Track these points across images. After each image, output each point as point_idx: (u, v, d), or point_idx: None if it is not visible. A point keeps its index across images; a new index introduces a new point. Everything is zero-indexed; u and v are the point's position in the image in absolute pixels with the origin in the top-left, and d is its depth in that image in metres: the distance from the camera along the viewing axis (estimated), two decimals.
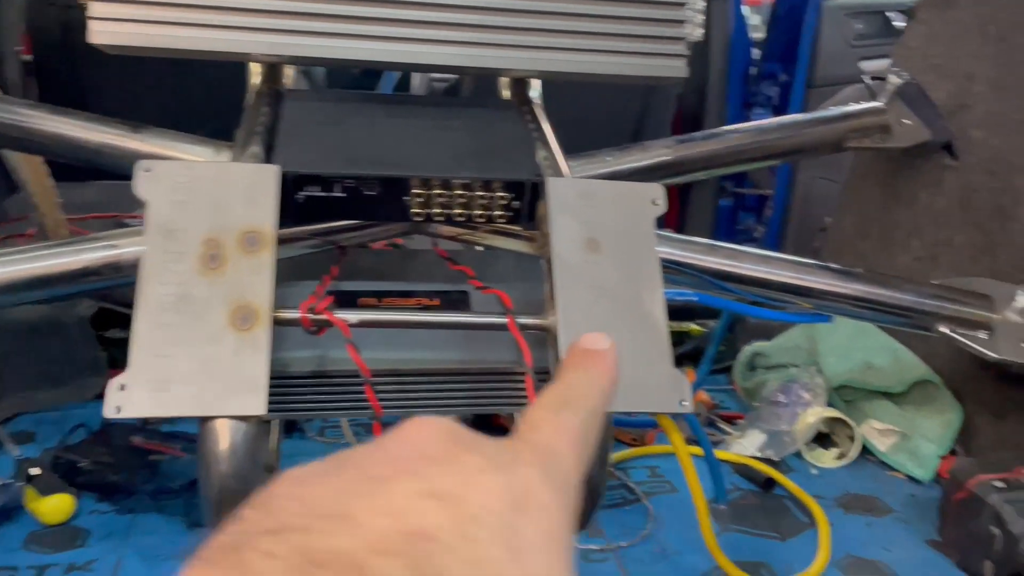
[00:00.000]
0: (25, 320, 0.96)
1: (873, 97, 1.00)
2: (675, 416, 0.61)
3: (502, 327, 0.54)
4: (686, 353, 1.14)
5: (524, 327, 0.54)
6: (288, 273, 0.54)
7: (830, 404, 1.02)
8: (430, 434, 0.25)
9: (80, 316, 0.98)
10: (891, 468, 0.97)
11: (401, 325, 0.55)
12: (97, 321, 0.99)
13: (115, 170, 0.72)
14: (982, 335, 0.79)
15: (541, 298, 0.57)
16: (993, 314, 0.80)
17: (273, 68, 0.69)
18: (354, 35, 0.63)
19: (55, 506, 0.78)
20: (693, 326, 1.21)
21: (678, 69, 0.70)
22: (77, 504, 0.80)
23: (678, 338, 1.14)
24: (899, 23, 1.77)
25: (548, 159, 0.63)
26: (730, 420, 1.07)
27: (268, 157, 0.59)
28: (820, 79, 1.85)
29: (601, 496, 0.56)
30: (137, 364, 0.48)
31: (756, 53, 2.00)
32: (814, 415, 0.99)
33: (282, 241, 0.53)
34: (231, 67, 0.66)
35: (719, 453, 0.91)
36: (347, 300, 0.57)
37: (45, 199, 0.98)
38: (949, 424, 0.98)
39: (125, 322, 0.49)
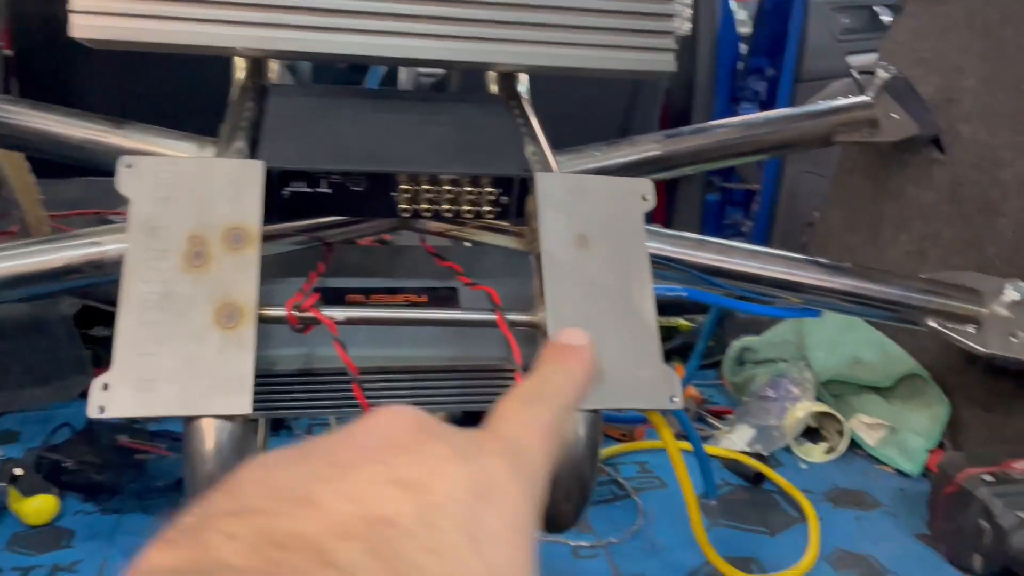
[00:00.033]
0: (7, 318, 0.95)
1: (861, 91, 1.00)
2: (665, 412, 0.60)
3: (491, 324, 0.54)
4: (675, 348, 1.14)
5: (513, 324, 0.54)
6: (274, 270, 0.54)
7: (818, 399, 1.02)
8: (398, 423, 0.25)
9: (63, 314, 0.97)
10: (879, 462, 0.98)
11: (389, 322, 0.55)
12: (81, 319, 0.98)
13: (98, 166, 0.71)
14: (970, 329, 0.79)
15: (530, 294, 0.56)
16: (981, 308, 0.80)
17: (258, 63, 0.69)
18: (339, 29, 0.62)
19: (39, 507, 0.78)
20: (682, 321, 1.21)
21: (666, 63, 0.70)
22: (61, 505, 0.79)
23: (666, 333, 1.14)
24: (886, 17, 1.78)
25: (536, 154, 0.63)
26: (719, 415, 1.07)
27: (253, 153, 0.58)
28: (807, 74, 1.86)
29: (591, 493, 0.56)
30: (121, 363, 0.47)
31: (743, 48, 2.00)
32: (803, 410, 0.99)
33: (267, 238, 0.52)
34: (215, 62, 0.65)
35: (708, 448, 0.91)
36: (334, 297, 0.56)
37: (27, 196, 0.97)
38: (937, 418, 0.98)
39: (109, 320, 0.49)
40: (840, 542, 0.81)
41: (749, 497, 0.89)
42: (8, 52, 1.49)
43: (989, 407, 0.94)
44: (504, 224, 0.64)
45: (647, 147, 0.87)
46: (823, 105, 1.00)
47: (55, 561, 0.73)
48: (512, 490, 0.24)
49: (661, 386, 0.54)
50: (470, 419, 0.95)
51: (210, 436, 0.47)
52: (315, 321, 0.51)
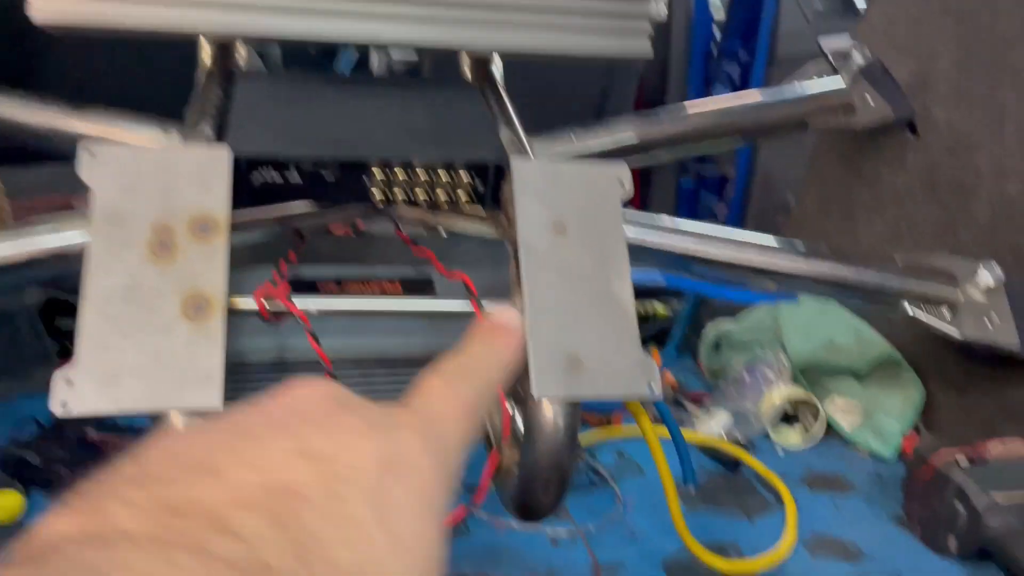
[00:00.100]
0: None
1: (835, 72, 1.00)
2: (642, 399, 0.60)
3: (467, 312, 0.53)
4: (651, 334, 1.14)
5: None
6: (243, 259, 0.52)
7: (795, 383, 1.02)
8: (310, 395, 0.25)
9: (27, 306, 0.94)
10: (855, 446, 0.98)
11: (363, 313, 0.53)
12: (46, 310, 0.96)
13: (60, 153, 0.69)
14: (946, 313, 0.79)
15: (507, 282, 0.56)
16: (957, 292, 0.80)
17: (224, 47, 0.67)
18: (308, 11, 0.61)
19: (3, 505, 0.76)
20: (658, 307, 1.21)
21: (642, 48, 0.69)
22: (27, 502, 0.77)
23: (643, 319, 1.13)
24: (859, 2, 1.78)
25: (512, 140, 0.62)
26: (696, 401, 1.06)
27: (219, 139, 0.56)
28: (781, 57, 1.86)
29: (569, 481, 0.55)
30: (84, 357, 0.46)
31: (716, 32, 1.99)
32: (779, 395, 0.99)
33: (236, 226, 0.51)
34: (181, 46, 0.64)
35: (685, 434, 0.91)
36: (306, 286, 0.55)
37: None
38: (911, 401, 0.99)
39: (75, 311, 0.47)
40: (817, 526, 0.81)
41: (726, 483, 0.89)
42: None
43: (963, 390, 0.95)
44: (479, 211, 0.63)
45: (624, 131, 0.86)
46: (799, 90, 1.00)
47: None
48: (423, 464, 0.24)
49: (640, 374, 0.53)
50: None
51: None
52: (286, 312, 0.50)
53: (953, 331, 0.79)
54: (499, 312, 0.36)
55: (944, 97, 1.00)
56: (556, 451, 0.52)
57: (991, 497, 0.73)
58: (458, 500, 0.81)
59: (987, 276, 0.80)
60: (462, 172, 0.57)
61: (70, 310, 0.97)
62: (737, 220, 1.94)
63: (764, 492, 0.87)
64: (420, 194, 0.57)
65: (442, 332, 0.56)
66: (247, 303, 0.49)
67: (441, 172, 0.57)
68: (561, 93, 1.57)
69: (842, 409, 1.00)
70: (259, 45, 1.03)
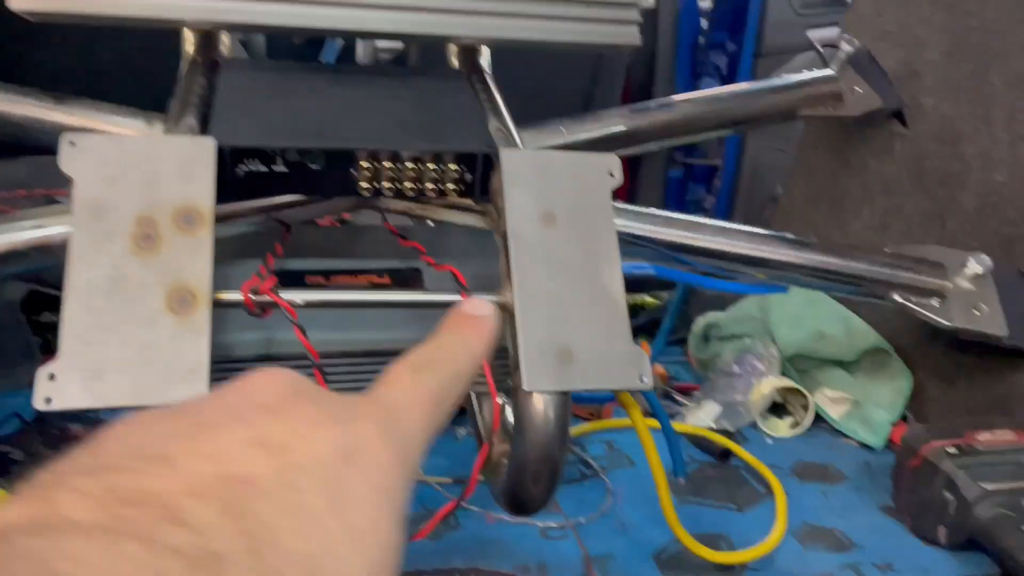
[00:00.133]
0: None
1: (824, 64, 1.00)
2: (634, 391, 0.60)
3: (458, 304, 0.52)
4: (641, 326, 1.14)
5: None
6: (228, 252, 0.51)
7: (784, 374, 1.03)
8: (270, 385, 0.25)
9: (9, 300, 0.93)
10: (844, 436, 0.98)
11: (351, 305, 0.53)
12: (28, 304, 0.95)
13: (41, 145, 0.67)
14: (934, 303, 0.79)
15: (496, 274, 0.55)
16: (945, 282, 0.80)
17: (208, 36, 0.66)
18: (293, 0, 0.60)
19: None
20: (647, 298, 1.21)
21: (631, 36, 0.68)
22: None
23: (632, 310, 1.13)
24: None
25: (501, 130, 0.61)
26: (685, 392, 1.06)
27: (204, 129, 0.55)
28: (768, 48, 1.86)
29: (560, 475, 0.55)
30: (68, 352, 0.45)
31: (704, 23, 1.99)
32: (768, 385, 0.99)
33: (221, 218, 0.50)
34: (164, 35, 0.63)
35: (675, 425, 0.91)
36: (293, 279, 0.54)
37: None
38: (900, 391, 0.99)
39: (58, 305, 0.46)
40: (807, 516, 0.81)
41: (716, 473, 0.89)
42: None
43: (951, 380, 0.95)
44: (468, 202, 0.62)
45: (613, 122, 0.85)
46: (788, 79, 1.00)
47: None
48: (382, 455, 0.24)
49: (631, 365, 0.53)
50: None
51: None
52: (273, 305, 0.49)
53: (942, 320, 0.79)
54: (471, 303, 0.35)
55: (932, 86, 1.00)
56: (547, 444, 0.51)
57: (981, 487, 0.73)
58: (449, 494, 0.81)
59: (975, 265, 0.80)
60: (450, 163, 0.57)
61: (53, 304, 0.96)
62: (725, 211, 1.94)
63: (754, 483, 0.87)
64: (408, 185, 0.57)
65: (431, 324, 0.55)
66: (233, 296, 0.48)
67: (429, 162, 0.56)
68: (548, 86, 1.56)
69: (831, 399, 1.01)
70: (243, 35, 1.02)
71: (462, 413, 0.94)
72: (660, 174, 2.07)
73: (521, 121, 0.64)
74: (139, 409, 0.44)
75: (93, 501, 0.19)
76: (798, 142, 1.23)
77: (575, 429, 0.94)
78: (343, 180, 0.56)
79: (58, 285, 0.46)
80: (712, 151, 2.06)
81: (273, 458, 0.22)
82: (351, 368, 0.54)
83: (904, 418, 0.98)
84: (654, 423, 0.77)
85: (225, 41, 0.68)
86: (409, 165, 0.56)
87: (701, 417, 0.98)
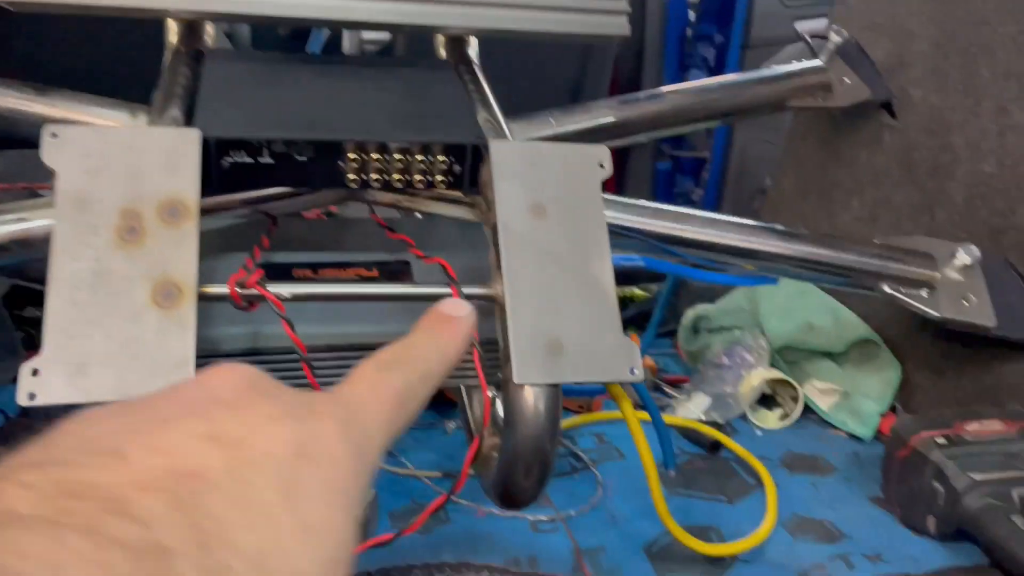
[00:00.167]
0: None
1: (813, 55, 1.00)
2: (624, 383, 0.59)
3: (446, 297, 0.52)
4: (630, 318, 1.13)
5: (469, 297, 0.52)
6: (214, 245, 0.51)
7: (773, 365, 1.03)
8: (228, 380, 0.25)
9: None
10: (833, 427, 0.98)
11: (339, 298, 0.52)
12: (11, 299, 0.93)
13: (22, 137, 0.66)
14: (924, 294, 0.80)
15: (485, 266, 0.55)
16: (935, 272, 0.80)
17: (192, 26, 0.65)
18: None
19: None
20: (637, 290, 1.20)
21: (620, 27, 0.68)
22: None
23: (622, 303, 1.13)
24: None
25: (489, 121, 0.61)
26: (675, 384, 1.06)
27: (189, 121, 0.55)
28: (755, 40, 1.86)
29: (552, 468, 0.54)
30: (51, 346, 0.44)
31: (691, 14, 1.99)
32: (758, 377, 0.99)
33: (206, 211, 0.49)
34: (147, 25, 0.62)
35: (665, 417, 0.91)
36: (280, 272, 0.54)
37: None
38: (889, 382, 0.99)
39: (42, 300, 0.45)
40: (797, 508, 0.81)
41: (707, 465, 0.89)
42: None
43: (940, 370, 0.95)
44: (457, 194, 0.61)
45: (602, 113, 0.85)
46: (778, 70, 0.99)
47: None
48: (337, 452, 0.24)
49: (621, 358, 0.52)
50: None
51: None
52: (260, 298, 0.48)
53: (931, 311, 0.79)
54: (449, 303, 0.35)
55: (920, 77, 1.00)
56: (538, 437, 0.51)
57: (970, 477, 0.73)
58: (439, 488, 0.80)
59: (964, 256, 0.80)
60: (439, 154, 0.56)
61: (36, 299, 0.95)
62: (713, 203, 1.94)
63: (744, 474, 0.87)
64: (396, 177, 0.56)
65: (420, 317, 0.55)
66: (219, 289, 0.48)
67: (418, 154, 0.56)
68: (536, 78, 1.56)
69: (820, 391, 1.01)
70: (228, 26, 1.01)
71: (452, 407, 0.94)
72: (648, 166, 2.07)
73: (509, 113, 0.64)
74: None
75: (38, 494, 0.19)
76: (787, 133, 1.23)
77: (565, 422, 0.94)
78: (330, 172, 0.55)
79: (41, 279, 0.46)
80: (700, 143, 2.06)
81: (225, 452, 0.22)
82: (339, 362, 0.53)
83: (893, 409, 0.98)
84: (644, 416, 0.77)
85: (209, 31, 0.67)
86: (397, 157, 0.56)
87: (691, 409, 0.98)
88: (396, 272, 0.57)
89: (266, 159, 0.54)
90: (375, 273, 0.57)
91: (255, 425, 0.23)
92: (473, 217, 0.61)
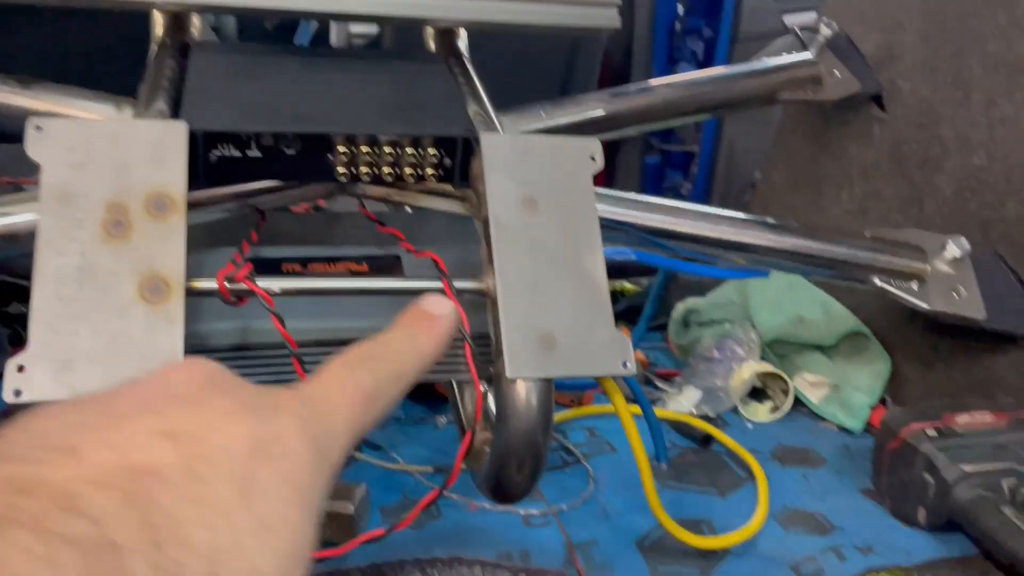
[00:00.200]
0: None
1: (804, 48, 1.00)
2: (616, 377, 0.59)
3: (437, 292, 0.51)
4: (620, 312, 1.13)
5: (460, 291, 0.51)
6: (201, 240, 0.50)
7: (763, 358, 1.03)
8: (186, 375, 0.25)
9: None
10: (823, 419, 0.99)
11: (329, 293, 0.52)
12: None
13: (6, 131, 0.66)
14: (914, 286, 0.80)
15: (476, 260, 0.54)
16: (925, 265, 0.80)
17: (178, 18, 0.64)
18: None
19: None
20: (627, 284, 1.20)
21: (610, 19, 0.68)
22: None
23: (612, 297, 1.13)
24: None
25: (480, 114, 0.60)
26: (665, 378, 1.06)
27: (175, 114, 0.54)
28: (744, 34, 1.86)
29: (544, 463, 0.54)
30: (37, 342, 0.43)
31: (680, 8, 1.99)
32: (748, 370, 0.99)
33: (193, 205, 0.49)
34: (133, 19, 0.61)
35: (656, 411, 0.91)
36: (269, 267, 0.53)
37: None
38: (879, 374, 0.99)
39: (27, 295, 0.45)
40: (788, 500, 0.81)
41: (698, 459, 0.89)
42: None
43: (930, 363, 0.95)
44: (447, 188, 0.61)
45: (593, 106, 0.85)
46: (767, 63, 0.99)
47: None
48: (297, 449, 0.24)
49: (614, 352, 0.52)
50: (421, 390, 0.93)
51: None
52: (249, 293, 0.48)
53: (922, 304, 0.79)
54: (431, 300, 0.35)
55: (910, 69, 1.00)
56: (530, 431, 0.51)
57: (960, 469, 0.73)
58: (430, 483, 0.80)
59: (954, 249, 0.80)
60: (429, 147, 0.56)
61: (22, 294, 0.94)
62: (702, 197, 1.95)
63: (735, 468, 0.87)
64: (386, 170, 0.56)
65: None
66: (208, 284, 0.47)
67: (408, 147, 0.55)
68: (524, 72, 1.55)
69: (810, 383, 1.01)
70: (214, 19, 1.00)
71: (443, 402, 0.93)
72: (637, 161, 2.07)
73: (498, 107, 0.63)
74: None
75: None
76: (777, 126, 1.23)
77: (556, 416, 0.93)
78: (320, 165, 0.55)
79: (27, 275, 0.45)
80: (689, 137, 2.06)
81: (181, 449, 0.22)
82: (329, 357, 0.53)
83: (883, 401, 0.99)
84: (636, 409, 0.77)
85: (196, 23, 0.66)
86: (387, 150, 0.55)
87: (682, 403, 0.98)
88: (386, 266, 0.57)
89: (254, 152, 0.53)
90: (365, 268, 0.57)
91: (212, 421, 0.23)
92: (463, 211, 0.61)
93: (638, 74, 1.92)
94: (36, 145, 0.47)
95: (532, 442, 0.52)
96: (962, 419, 0.78)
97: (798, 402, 1.00)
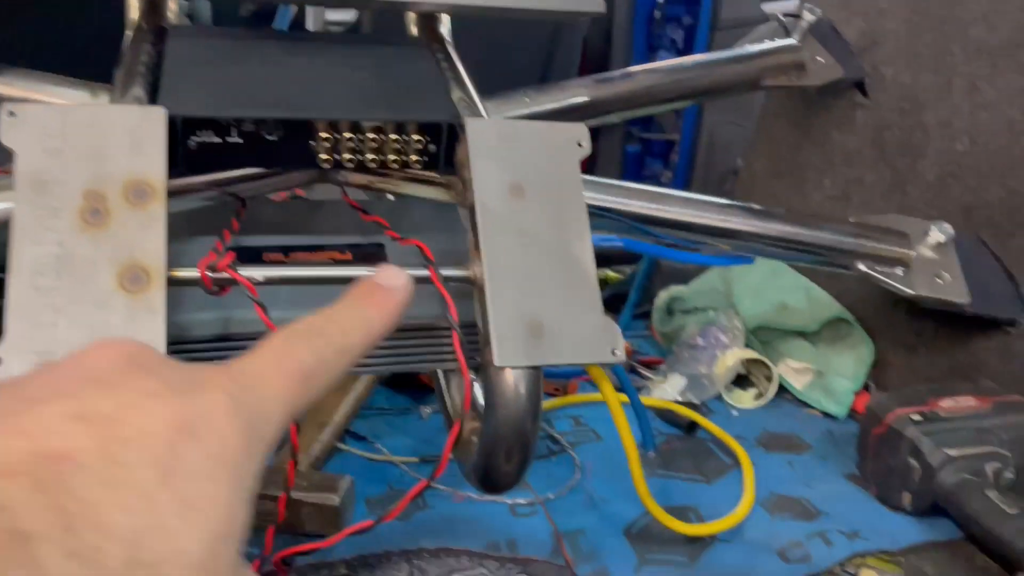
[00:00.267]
0: None
1: (787, 34, 0.99)
2: (604, 365, 0.59)
3: (423, 280, 0.51)
4: (605, 300, 1.13)
5: (447, 279, 0.51)
6: (181, 229, 0.49)
7: (747, 345, 1.03)
8: (106, 356, 0.24)
9: None
10: (807, 406, 0.99)
11: (313, 281, 0.51)
12: None
13: None
14: (899, 272, 0.80)
15: (462, 248, 0.53)
16: (909, 250, 0.80)
17: (154, 1, 0.63)
18: None
19: None
20: (610, 272, 1.20)
21: (595, 3, 0.67)
22: None
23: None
24: None
25: (464, 100, 0.59)
26: (650, 365, 1.06)
27: (152, 100, 0.53)
28: (724, 21, 1.86)
29: (533, 452, 0.54)
30: (14, 335, 0.42)
31: None
32: (733, 357, 0.99)
33: (173, 193, 0.48)
34: (107, 2, 0.59)
35: (641, 399, 0.91)
36: (250, 256, 0.52)
37: None
38: (862, 360, 1.00)
39: (3, 286, 0.44)
40: (774, 486, 0.81)
41: (684, 446, 0.89)
42: None
43: (913, 348, 0.96)
44: (431, 175, 0.60)
45: (577, 92, 0.84)
46: (751, 49, 0.99)
47: None
48: (225, 427, 0.23)
49: (603, 339, 0.52)
50: (401, 378, 0.92)
51: None
52: (231, 282, 0.47)
53: (906, 289, 0.79)
54: (385, 272, 0.33)
55: (893, 55, 1.00)
56: (519, 420, 0.50)
57: (945, 453, 0.73)
58: (416, 474, 0.79)
59: (938, 234, 0.80)
60: (414, 133, 0.55)
61: None
62: (682, 185, 1.95)
63: (721, 454, 0.87)
64: (370, 156, 0.55)
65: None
66: (189, 273, 0.46)
67: (392, 133, 0.54)
68: (504, 59, 1.54)
69: (794, 370, 1.01)
70: (188, 5, 0.98)
71: (427, 392, 0.93)
72: (618, 149, 2.07)
73: (479, 93, 0.62)
74: None
75: None
76: (760, 111, 1.23)
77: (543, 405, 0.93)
78: (301, 152, 0.54)
79: (2, 266, 0.44)
80: (669, 126, 2.06)
81: (96, 432, 0.21)
82: None
83: (866, 387, 0.99)
84: (622, 397, 0.77)
85: (172, 6, 0.65)
86: (371, 136, 0.54)
87: (667, 390, 0.98)
88: (370, 255, 0.56)
89: (235, 139, 0.52)
90: (349, 256, 0.56)
91: (131, 402, 0.22)
92: (447, 198, 0.60)
93: (617, 62, 1.91)
94: (10, 131, 0.45)
95: (521, 431, 0.51)
96: (946, 404, 0.79)
97: (782, 388, 1.00)
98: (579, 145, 0.56)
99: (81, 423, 0.21)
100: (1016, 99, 0.87)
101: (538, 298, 0.50)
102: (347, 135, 0.54)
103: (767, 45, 0.99)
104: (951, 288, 0.80)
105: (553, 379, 0.96)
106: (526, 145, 0.54)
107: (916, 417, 0.77)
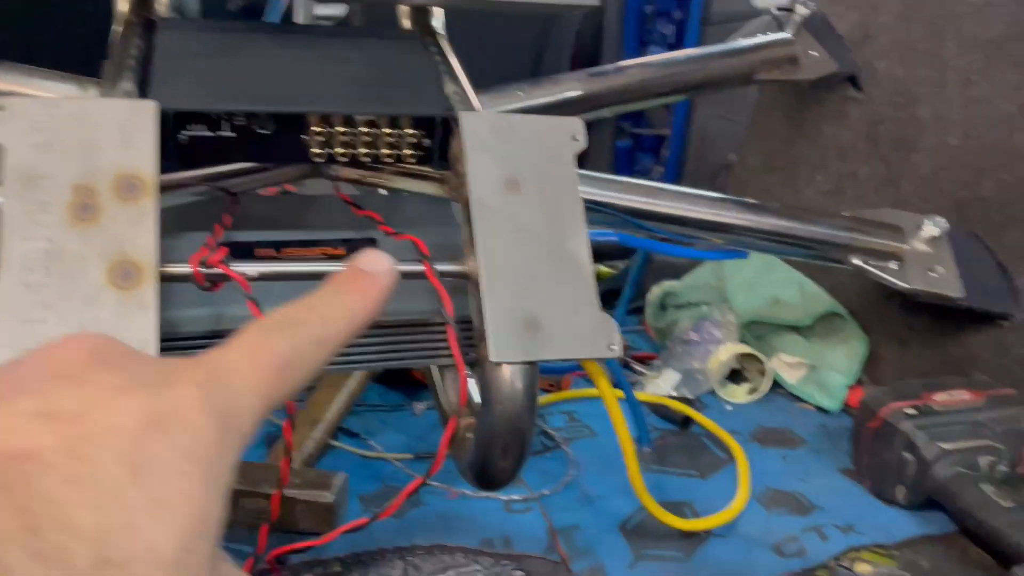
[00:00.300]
0: None
1: (780, 28, 0.99)
2: (601, 360, 0.58)
3: (418, 275, 0.50)
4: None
5: (442, 274, 0.50)
6: (171, 224, 0.48)
7: (741, 340, 1.03)
8: (72, 351, 0.24)
9: None
10: (801, 400, 0.99)
11: (306, 277, 0.50)
12: None
13: None
14: (892, 265, 0.80)
15: (457, 243, 0.53)
16: (903, 244, 0.80)
17: None
18: None
19: None
20: (602, 268, 1.20)
21: None
22: None
23: None
24: None
25: (458, 93, 0.59)
26: (643, 361, 1.06)
27: (142, 94, 0.52)
28: (715, 16, 1.85)
29: (529, 448, 0.53)
30: (4, 331, 0.42)
31: None
32: (726, 352, 0.99)
33: (164, 188, 0.47)
34: None
35: (636, 394, 0.90)
36: (242, 251, 0.51)
37: None
38: (855, 354, 1.00)
39: None
40: (769, 480, 0.81)
41: (678, 441, 0.89)
42: None
43: (906, 342, 0.96)
44: (425, 169, 0.60)
45: (571, 86, 0.83)
46: (744, 43, 0.99)
47: None
48: (197, 420, 0.23)
49: (599, 334, 0.51)
50: (395, 374, 0.92)
51: None
52: (224, 278, 0.46)
53: (900, 283, 0.79)
54: (367, 257, 0.31)
55: (886, 49, 1.00)
56: (515, 416, 0.50)
57: (939, 447, 0.73)
58: (410, 471, 0.79)
59: (932, 228, 0.80)
60: (408, 127, 0.54)
61: None
62: (674, 180, 1.94)
63: (715, 449, 0.87)
64: (363, 151, 0.54)
65: (392, 297, 0.53)
66: (181, 269, 0.45)
67: (385, 127, 0.54)
68: (496, 53, 1.53)
69: (788, 364, 1.01)
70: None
71: (421, 388, 0.92)
72: (608, 144, 2.06)
73: (472, 87, 0.62)
74: None
75: None
76: (755, 105, 1.23)
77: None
78: (294, 146, 0.53)
79: None
80: (660, 121, 2.06)
81: (61, 429, 0.20)
82: None
83: (860, 381, 0.99)
84: (619, 393, 0.76)
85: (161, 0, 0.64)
86: (364, 130, 0.54)
87: (661, 385, 0.98)
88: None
89: (226, 132, 0.51)
90: (342, 251, 0.55)
91: (97, 398, 0.22)
92: (441, 193, 0.60)
93: (608, 57, 1.90)
94: None
95: (517, 427, 0.51)
96: (940, 397, 0.79)
97: (776, 383, 1.00)
98: (574, 139, 0.56)
99: (45, 420, 0.21)
100: (1009, 93, 0.87)
101: (534, 293, 0.50)
102: (340, 129, 0.53)
103: (760, 39, 0.99)
104: (945, 282, 0.80)
105: (547, 375, 0.96)
106: (521, 139, 0.54)
107: (910, 411, 0.77)
